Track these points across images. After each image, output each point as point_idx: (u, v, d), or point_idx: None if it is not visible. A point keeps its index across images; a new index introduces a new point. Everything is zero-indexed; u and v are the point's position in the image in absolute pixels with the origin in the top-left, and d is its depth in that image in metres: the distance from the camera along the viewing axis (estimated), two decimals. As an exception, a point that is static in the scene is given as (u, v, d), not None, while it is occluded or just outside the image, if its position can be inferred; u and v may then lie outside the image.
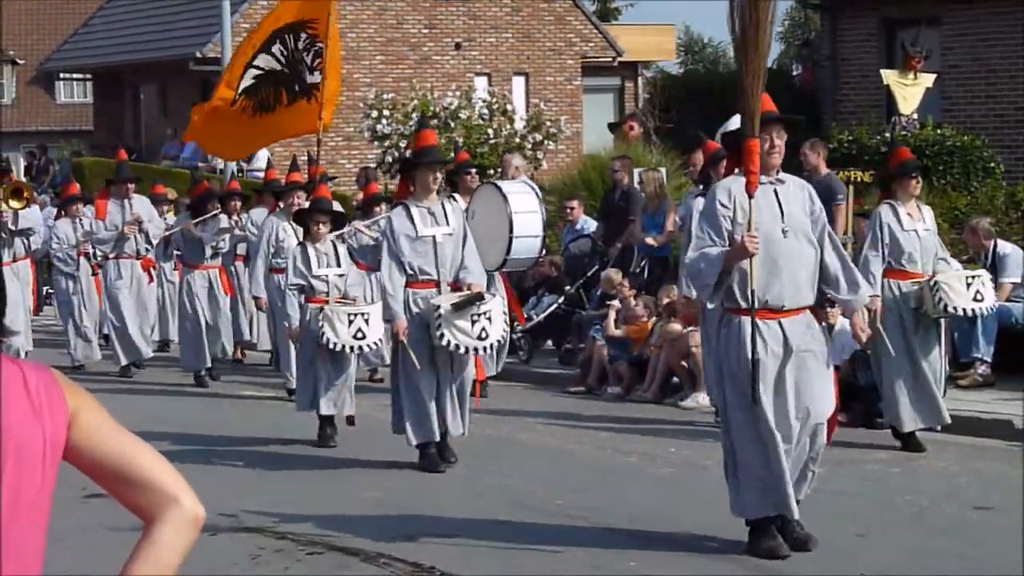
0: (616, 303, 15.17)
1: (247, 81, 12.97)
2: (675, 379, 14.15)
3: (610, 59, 35.52)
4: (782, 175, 8.19)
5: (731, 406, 8.00)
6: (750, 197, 7.80)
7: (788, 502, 7.77)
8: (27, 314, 13.79)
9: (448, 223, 10.65)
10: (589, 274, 16.61)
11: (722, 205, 7.93)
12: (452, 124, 24.33)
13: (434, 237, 10.54)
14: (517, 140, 25.70)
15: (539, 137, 26.67)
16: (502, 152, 21.94)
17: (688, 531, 8.84)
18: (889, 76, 19.47)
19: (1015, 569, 7.62)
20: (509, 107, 27.88)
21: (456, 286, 10.57)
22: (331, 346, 11.41)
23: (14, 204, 13.35)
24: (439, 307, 10.25)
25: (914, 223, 10.98)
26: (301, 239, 12.44)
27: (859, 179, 13.11)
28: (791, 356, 7.81)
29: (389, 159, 25.39)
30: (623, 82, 36.40)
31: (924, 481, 9.93)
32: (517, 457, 10.71)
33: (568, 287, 16.78)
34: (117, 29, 38.38)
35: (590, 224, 17.83)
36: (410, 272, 10.50)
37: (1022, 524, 8.26)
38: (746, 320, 7.79)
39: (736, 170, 8.09)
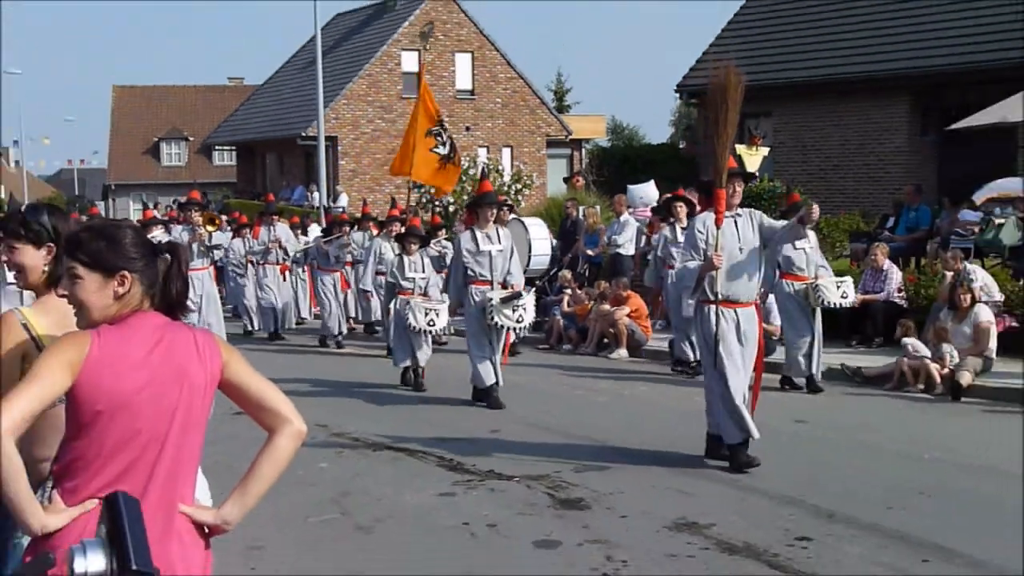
0: (568, 292, 15.19)
1: (443, 150, 13.48)
2: (605, 340, 14.14)
3: (564, 137, 35.61)
4: (739, 210, 8.00)
5: (706, 364, 7.94)
6: (717, 228, 7.69)
7: (747, 425, 7.62)
8: (217, 304, 13.56)
9: (500, 242, 10.47)
10: (551, 273, 16.60)
11: (699, 232, 7.84)
12: (463, 179, 24.30)
13: (490, 252, 10.35)
14: (505, 188, 25.72)
15: (519, 187, 26.72)
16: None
17: (615, 435, 8.87)
18: (740, 148, 19.44)
19: (818, 456, 7.60)
20: (500, 167, 27.96)
21: (503, 285, 10.38)
22: (411, 328, 11.27)
23: (210, 228, 13.27)
24: (491, 299, 10.14)
25: (802, 243, 10.85)
26: (398, 253, 12.30)
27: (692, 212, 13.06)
28: (741, 333, 7.73)
29: (424, 199, 25.34)
30: (572, 152, 36.43)
31: (766, 405, 9.93)
32: (508, 391, 10.63)
33: (538, 281, 16.78)
34: (251, 117, 38.40)
35: (552, 241, 17.83)
36: (471, 274, 10.32)
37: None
38: (712, 308, 7.72)
39: (709, 208, 7.93)
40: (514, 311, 10.19)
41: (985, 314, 11.05)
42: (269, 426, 2.80)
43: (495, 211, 10.78)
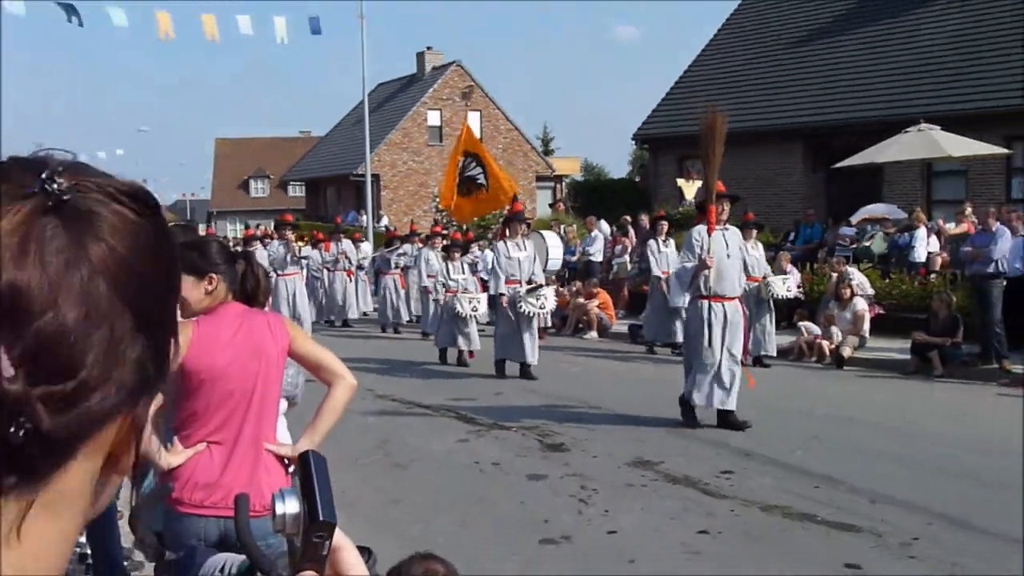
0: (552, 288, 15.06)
1: (479, 179, 12.17)
2: (580, 325, 14.05)
3: (549, 173, 35.49)
4: (727, 226, 7.69)
5: (692, 346, 7.53)
6: (709, 236, 7.44)
7: (710, 399, 7.31)
8: (305, 300, 13.23)
9: (526, 250, 10.22)
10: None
11: (695, 239, 7.51)
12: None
13: (519, 258, 10.11)
14: (506, 213, 25.46)
15: (516, 211, 26.58)
16: (499, 219, 21.72)
17: (588, 396, 8.79)
18: (680, 182, 19.44)
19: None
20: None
21: (529, 282, 10.10)
22: (459, 315, 10.99)
23: (299, 243, 13.06)
24: (519, 292, 9.91)
25: (753, 251, 10.66)
26: (443, 260, 12.00)
27: (669, 229, 12.91)
28: (727, 323, 7.41)
29: (444, 220, 25.13)
30: (555, 184, 36.24)
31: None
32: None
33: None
34: (316, 160, 38.28)
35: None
36: (505, 275, 10.05)
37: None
38: (705, 302, 7.41)
39: (702, 221, 7.65)
40: (537, 299, 9.94)
41: (861, 304, 11.09)
42: (327, 381, 2.78)
43: (524, 226, 10.55)
